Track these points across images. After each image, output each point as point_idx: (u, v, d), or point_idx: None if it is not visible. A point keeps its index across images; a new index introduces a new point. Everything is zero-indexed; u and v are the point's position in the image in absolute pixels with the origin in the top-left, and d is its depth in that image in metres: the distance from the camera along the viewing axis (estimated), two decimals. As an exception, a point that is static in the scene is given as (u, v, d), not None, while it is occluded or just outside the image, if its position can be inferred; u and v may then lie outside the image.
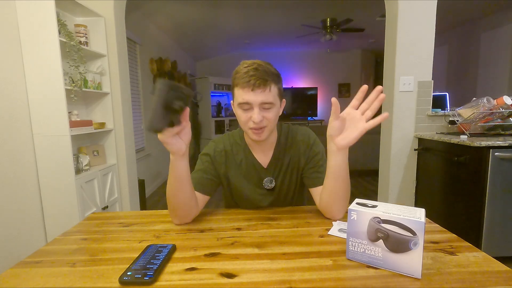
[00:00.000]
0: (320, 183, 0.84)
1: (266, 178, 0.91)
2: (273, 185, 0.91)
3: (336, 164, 0.72)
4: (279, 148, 0.91)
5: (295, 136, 0.92)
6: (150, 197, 3.44)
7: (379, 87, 0.67)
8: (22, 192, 1.66)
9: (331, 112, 0.68)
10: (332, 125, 0.69)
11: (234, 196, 0.95)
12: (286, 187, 0.93)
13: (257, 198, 0.92)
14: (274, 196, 0.93)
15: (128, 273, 0.51)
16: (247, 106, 0.78)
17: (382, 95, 0.66)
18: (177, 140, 0.68)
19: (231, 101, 0.86)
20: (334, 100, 0.66)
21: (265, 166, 0.91)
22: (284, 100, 0.87)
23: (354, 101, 0.69)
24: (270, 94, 0.77)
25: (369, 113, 0.68)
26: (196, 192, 0.83)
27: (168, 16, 3.90)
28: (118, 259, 0.59)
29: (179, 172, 0.71)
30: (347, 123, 0.70)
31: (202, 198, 0.84)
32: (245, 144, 0.92)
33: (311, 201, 0.95)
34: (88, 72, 1.98)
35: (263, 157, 0.91)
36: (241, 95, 0.77)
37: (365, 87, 0.67)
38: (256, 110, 0.77)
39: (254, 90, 0.75)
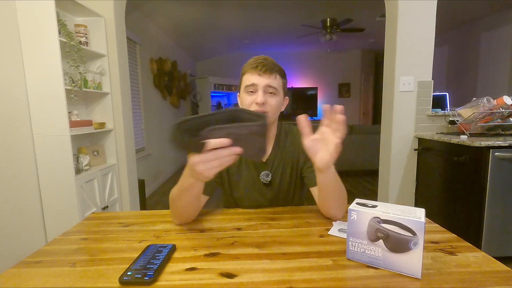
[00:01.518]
0: None
1: (263, 172, 0.92)
2: (269, 178, 0.92)
3: (324, 181, 0.71)
4: (278, 143, 0.93)
5: (296, 135, 0.94)
6: (150, 197, 3.44)
7: (338, 107, 0.60)
8: (22, 192, 1.66)
9: (301, 131, 0.63)
10: (305, 146, 0.64)
11: (233, 193, 0.95)
12: (286, 184, 0.94)
13: (255, 193, 0.93)
14: (272, 192, 0.93)
15: (128, 273, 0.51)
16: (252, 88, 0.83)
17: (340, 116, 0.59)
18: None
19: (238, 94, 0.92)
20: (299, 118, 0.61)
21: (264, 160, 0.92)
22: (287, 98, 0.92)
23: (325, 121, 0.63)
24: (275, 81, 0.84)
25: (339, 133, 0.61)
26: None
27: (168, 16, 3.89)
28: (118, 259, 0.59)
29: (194, 191, 0.69)
30: (321, 143, 0.63)
31: (202, 199, 0.84)
32: None
33: (310, 201, 0.95)
34: (88, 72, 1.98)
35: None
36: (248, 78, 0.83)
37: (326, 106, 0.61)
38: (260, 92, 0.82)
39: (260, 75, 0.82)
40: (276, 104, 0.84)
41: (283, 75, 0.87)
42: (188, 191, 0.68)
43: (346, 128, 0.60)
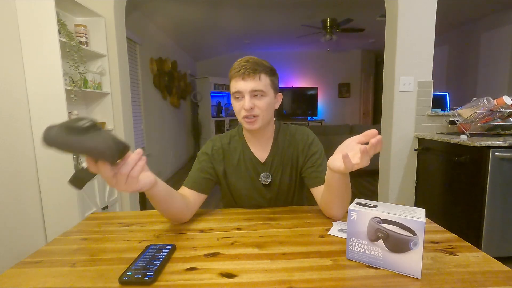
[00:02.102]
0: (320, 182, 0.84)
1: (263, 173, 0.91)
2: (269, 180, 0.91)
3: (340, 183, 0.69)
4: (277, 144, 0.92)
5: (294, 134, 0.93)
6: (150, 197, 3.43)
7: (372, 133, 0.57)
8: (22, 192, 1.66)
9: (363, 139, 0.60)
10: (354, 147, 0.62)
11: (232, 193, 0.95)
12: (285, 185, 0.93)
13: (255, 193, 0.93)
14: (272, 193, 0.93)
15: (128, 273, 0.51)
16: (238, 94, 0.82)
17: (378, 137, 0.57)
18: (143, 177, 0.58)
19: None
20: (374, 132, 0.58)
21: (262, 161, 0.92)
22: (280, 94, 0.90)
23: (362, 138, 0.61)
24: (261, 82, 0.81)
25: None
26: (192, 191, 0.84)
27: (168, 16, 3.90)
28: (118, 259, 0.59)
29: (159, 197, 0.67)
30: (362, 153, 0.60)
31: (198, 197, 0.84)
32: (243, 139, 0.93)
33: (310, 201, 0.95)
34: (88, 72, 1.98)
35: (261, 152, 0.92)
36: (233, 85, 0.82)
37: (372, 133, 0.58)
38: (246, 98, 0.80)
39: (244, 79, 0.80)
40: (266, 105, 0.82)
41: (270, 73, 0.84)
42: (155, 201, 0.67)
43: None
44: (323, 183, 0.82)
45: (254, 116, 0.82)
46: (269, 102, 0.84)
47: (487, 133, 1.98)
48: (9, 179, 1.59)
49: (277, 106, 0.89)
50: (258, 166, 0.91)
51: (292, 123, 1.00)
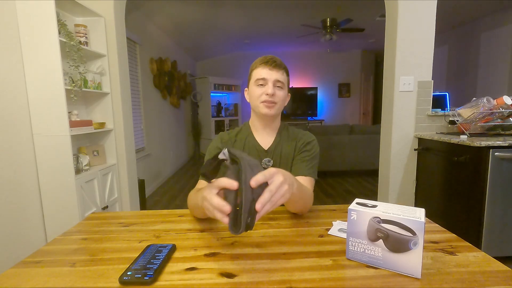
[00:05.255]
0: (296, 174, 0.91)
1: (266, 158, 0.98)
2: (270, 164, 0.97)
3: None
4: (280, 136, 1.00)
5: (297, 133, 1.01)
6: (150, 197, 3.44)
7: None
8: (22, 192, 1.66)
9: None
10: None
11: None
12: None
13: None
14: None
15: (128, 273, 0.51)
16: (262, 81, 0.91)
17: None
18: None
19: (245, 89, 1.00)
20: None
21: (265, 148, 0.98)
22: (289, 94, 1.00)
23: None
24: (283, 76, 0.93)
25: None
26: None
27: (168, 16, 3.90)
28: (118, 259, 0.59)
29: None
30: None
31: None
32: (249, 129, 1.01)
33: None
34: (88, 72, 1.98)
35: (265, 141, 0.99)
36: (259, 72, 0.92)
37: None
38: (270, 85, 0.90)
39: (271, 69, 0.91)
40: (283, 96, 0.94)
41: (288, 73, 0.97)
42: (200, 209, 0.67)
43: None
44: (298, 175, 0.90)
45: (273, 102, 0.91)
46: (285, 96, 0.95)
47: (487, 133, 1.98)
48: (9, 178, 1.59)
49: (285, 103, 0.99)
50: (261, 153, 0.98)
51: (292, 123, 1.02)
